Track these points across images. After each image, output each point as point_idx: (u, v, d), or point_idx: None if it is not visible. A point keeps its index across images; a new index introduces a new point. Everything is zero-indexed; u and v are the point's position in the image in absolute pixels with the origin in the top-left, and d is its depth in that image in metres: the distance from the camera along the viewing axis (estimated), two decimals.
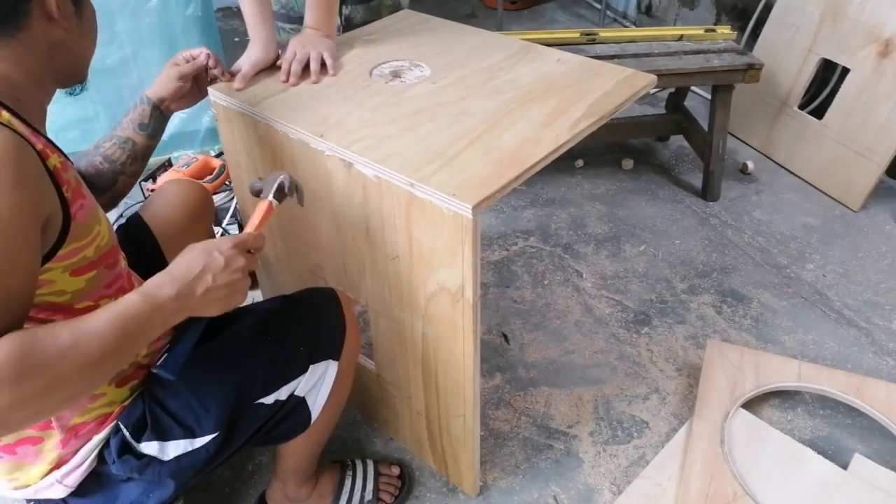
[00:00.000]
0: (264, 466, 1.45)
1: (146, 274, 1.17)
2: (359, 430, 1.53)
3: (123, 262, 0.98)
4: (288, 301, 1.12)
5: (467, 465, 1.33)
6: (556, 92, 1.20)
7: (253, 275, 2.05)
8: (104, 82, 2.24)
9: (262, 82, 1.24)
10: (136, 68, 2.27)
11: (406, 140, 1.05)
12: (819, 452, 1.40)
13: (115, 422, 0.97)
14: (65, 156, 0.86)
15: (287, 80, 1.25)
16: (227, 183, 2.22)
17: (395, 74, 1.28)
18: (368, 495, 1.34)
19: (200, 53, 1.22)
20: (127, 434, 0.96)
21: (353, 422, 1.54)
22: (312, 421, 1.09)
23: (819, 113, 2.38)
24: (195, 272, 0.82)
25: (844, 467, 1.37)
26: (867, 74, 2.18)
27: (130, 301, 0.77)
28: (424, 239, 1.02)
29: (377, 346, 1.33)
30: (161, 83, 1.19)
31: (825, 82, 2.45)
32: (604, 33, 2.27)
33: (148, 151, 1.18)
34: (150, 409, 0.98)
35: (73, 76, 0.92)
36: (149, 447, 0.96)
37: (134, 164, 1.16)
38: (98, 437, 0.96)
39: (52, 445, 0.93)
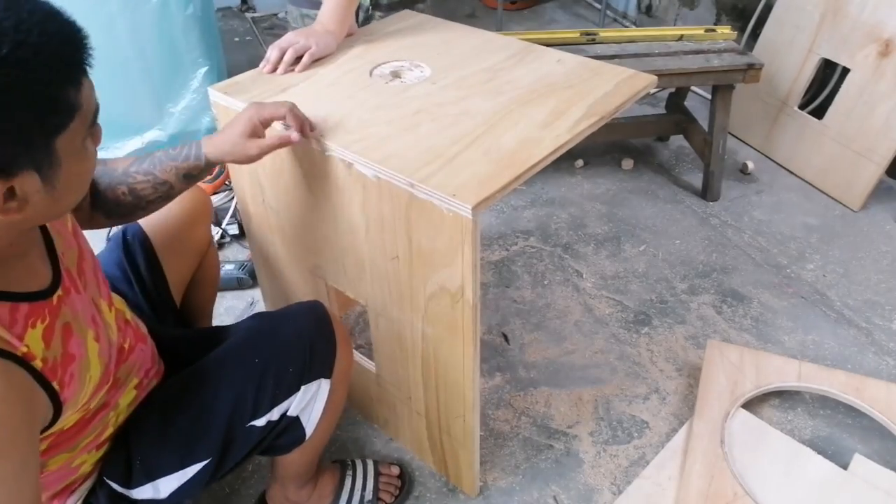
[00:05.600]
0: (264, 467, 1.45)
1: (141, 289, 1.18)
2: (358, 430, 1.53)
3: (115, 334, 0.93)
4: (274, 319, 1.09)
5: (467, 466, 1.33)
6: (557, 92, 1.20)
7: (252, 275, 2.06)
8: (103, 83, 2.23)
9: (261, 83, 1.24)
10: (136, 69, 2.27)
11: (406, 140, 1.05)
12: (819, 452, 1.40)
13: (96, 473, 0.95)
14: (52, 287, 0.80)
15: (269, 67, 1.26)
16: (226, 183, 2.22)
17: (396, 75, 1.28)
18: (368, 495, 1.34)
19: (290, 133, 1.04)
20: (116, 487, 0.95)
21: (353, 422, 1.54)
22: (307, 437, 1.09)
23: (819, 113, 2.37)
24: None
25: (844, 467, 1.37)
26: (867, 74, 2.18)
27: None
28: (424, 239, 1.02)
29: (377, 347, 1.33)
30: (230, 150, 1.02)
31: (825, 82, 2.45)
32: (604, 33, 2.27)
33: (178, 194, 1.08)
34: (130, 456, 0.96)
35: (58, 216, 0.82)
36: (142, 492, 0.95)
37: (158, 203, 1.06)
38: (82, 489, 0.95)
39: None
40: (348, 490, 1.33)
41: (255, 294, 1.93)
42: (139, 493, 0.96)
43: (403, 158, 1.00)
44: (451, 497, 1.39)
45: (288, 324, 1.06)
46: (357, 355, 1.39)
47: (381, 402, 1.45)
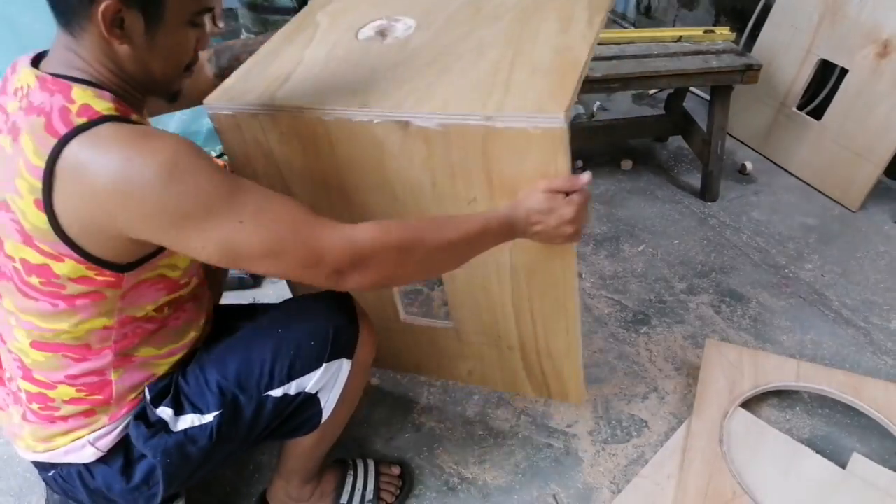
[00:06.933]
0: (265, 466, 1.45)
1: None
2: (359, 429, 1.54)
3: None
4: (302, 299, 1.14)
5: (572, 377, 1.39)
6: (548, 3, 1.22)
7: (254, 274, 2.05)
8: None
9: (259, 78, 1.17)
10: None
11: (448, 84, 1.04)
12: (817, 451, 1.40)
13: (140, 405, 1.01)
14: None
15: None
16: None
17: (382, 33, 1.24)
18: (369, 495, 1.35)
19: None
20: (148, 397, 0.99)
21: (354, 422, 1.54)
22: (324, 419, 1.10)
23: (818, 113, 2.38)
24: (542, 216, 0.99)
25: (843, 466, 1.37)
26: (866, 75, 2.19)
27: (494, 222, 0.98)
28: (507, 169, 1.02)
29: (455, 303, 1.33)
30: None
31: (824, 83, 2.46)
32: (603, 34, 2.27)
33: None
34: (176, 382, 1.01)
35: (151, 89, 0.93)
36: (164, 412, 0.98)
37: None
38: (128, 414, 1.00)
39: (104, 420, 0.98)
40: (349, 489, 1.34)
41: (256, 294, 1.94)
42: (161, 411, 0.99)
43: (461, 99, 1.00)
44: (451, 496, 1.40)
45: (314, 302, 1.09)
46: (428, 321, 1.44)
47: (462, 356, 1.46)
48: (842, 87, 2.28)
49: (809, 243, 2.12)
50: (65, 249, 0.83)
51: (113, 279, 0.88)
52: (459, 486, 1.41)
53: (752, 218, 2.25)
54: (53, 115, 0.81)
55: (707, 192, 2.33)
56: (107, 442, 0.98)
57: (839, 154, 2.29)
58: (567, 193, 1.00)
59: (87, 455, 0.98)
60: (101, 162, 0.79)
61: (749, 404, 1.51)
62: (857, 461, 1.39)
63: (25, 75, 0.86)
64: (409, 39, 1.20)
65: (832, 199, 2.32)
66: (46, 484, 1.05)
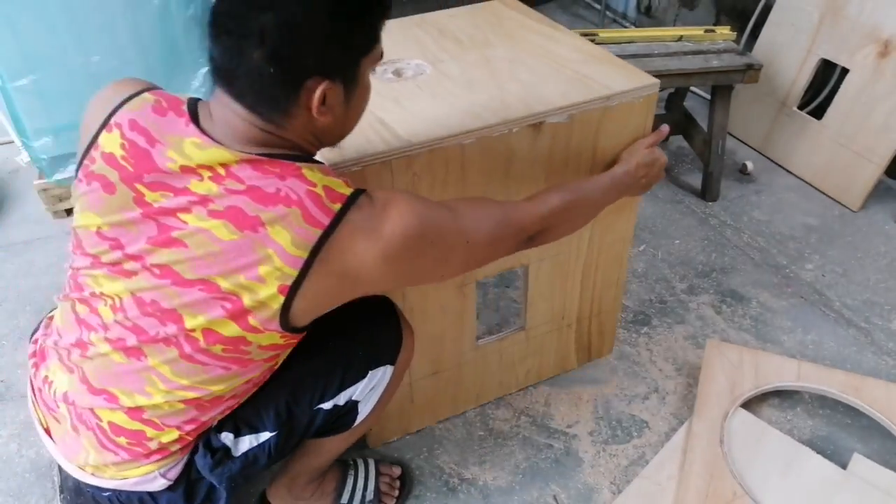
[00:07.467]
0: None
1: None
2: None
3: None
4: (344, 310, 1.12)
5: (611, 328, 1.60)
6: (502, 29, 1.40)
7: None
8: (104, 83, 2.24)
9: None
10: (138, 69, 2.27)
11: (539, 88, 1.17)
12: (818, 452, 1.40)
13: (201, 439, 0.99)
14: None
15: None
16: None
17: (398, 73, 1.27)
18: (370, 495, 1.34)
19: None
20: (227, 438, 0.99)
21: None
22: (357, 422, 1.11)
23: (818, 113, 2.38)
24: (648, 168, 1.19)
25: (843, 467, 1.37)
26: (866, 75, 2.18)
27: (618, 177, 1.15)
28: (611, 140, 1.19)
29: (533, 300, 1.42)
30: None
31: (824, 82, 2.46)
32: (603, 34, 2.27)
33: None
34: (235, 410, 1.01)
35: (334, 143, 0.96)
36: (226, 437, 0.98)
37: None
38: (187, 451, 0.99)
39: (178, 455, 0.96)
40: (350, 489, 1.34)
41: None
42: (224, 437, 0.98)
43: (571, 93, 1.14)
44: (451, 496, 1.40)
45: (357, 310, 1.09)
46: (500, 335, 1.49)
47: (523, 359, 1.54)
48: (842, 86, 2.27)
49: (810, 243, 2.12)
50: (274, 325, 0.84)
51: (295, 340, 0.91)
52: (459, 486, 1.41)
53: (752, 218, 2.25)
54: (307, 203, 0.80)
55: (708, 192, 2.33)
56: (176, 472, 0.97)
57: (840, 154, 2.28)
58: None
59: (157, 486, 0.96)
60: (366, 242, 0.82)
61: (750, 405, 1.51)
62: (858, 462, 1.39)
63: (213, 153, 0.83)
64: (443, 71, 1.25)
65: (833, 198, 2.31)
66: (96, 500, 1.00)
